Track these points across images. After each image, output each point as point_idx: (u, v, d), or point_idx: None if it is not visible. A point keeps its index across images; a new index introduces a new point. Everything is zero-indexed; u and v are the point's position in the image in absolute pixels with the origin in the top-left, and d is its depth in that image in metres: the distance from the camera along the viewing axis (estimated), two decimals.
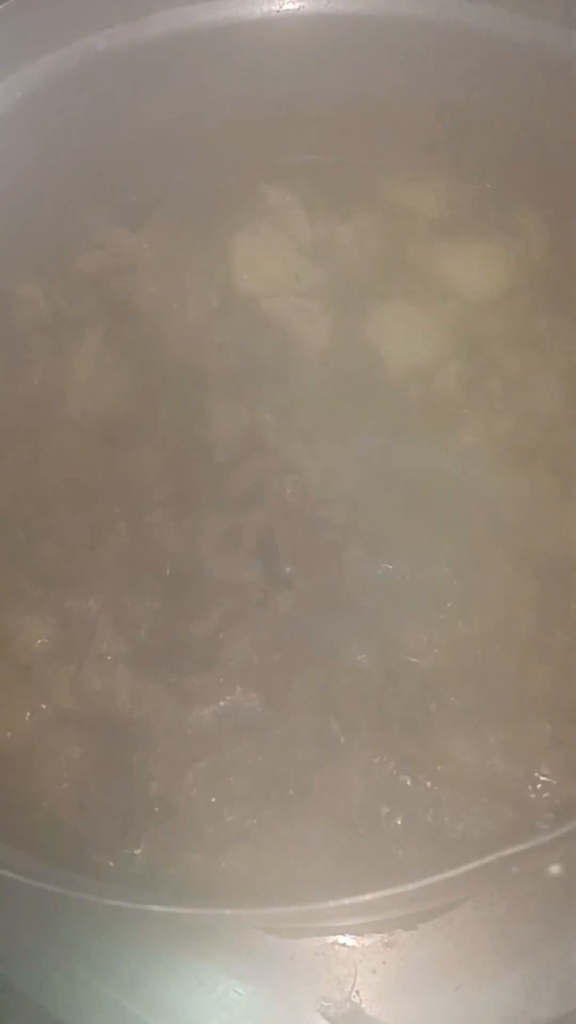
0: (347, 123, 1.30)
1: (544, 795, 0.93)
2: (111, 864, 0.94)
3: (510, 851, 0.69)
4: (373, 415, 1.14)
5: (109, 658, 1.00)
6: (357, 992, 0.97)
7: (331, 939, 1.01)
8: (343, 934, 1.00)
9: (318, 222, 1.26)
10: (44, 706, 0.99)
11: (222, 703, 0.98)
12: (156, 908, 0.99)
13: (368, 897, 0.69)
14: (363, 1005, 0.97)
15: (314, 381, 1.17)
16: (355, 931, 1.00)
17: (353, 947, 1.00)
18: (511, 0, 1.13)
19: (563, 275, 1.23)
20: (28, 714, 0.99)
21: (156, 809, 0.95)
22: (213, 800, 0.94)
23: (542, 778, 0.93)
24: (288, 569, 1.03)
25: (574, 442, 1.10)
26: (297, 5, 1.20)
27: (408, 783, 0.94)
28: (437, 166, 1.30)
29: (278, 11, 1.20)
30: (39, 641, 1.02)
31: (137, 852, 0.94)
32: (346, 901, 0.69)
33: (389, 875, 0.91)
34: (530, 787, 0.93)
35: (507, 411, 1.12)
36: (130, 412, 1.16)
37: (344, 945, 1.00)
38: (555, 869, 0.74)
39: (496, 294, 1.22)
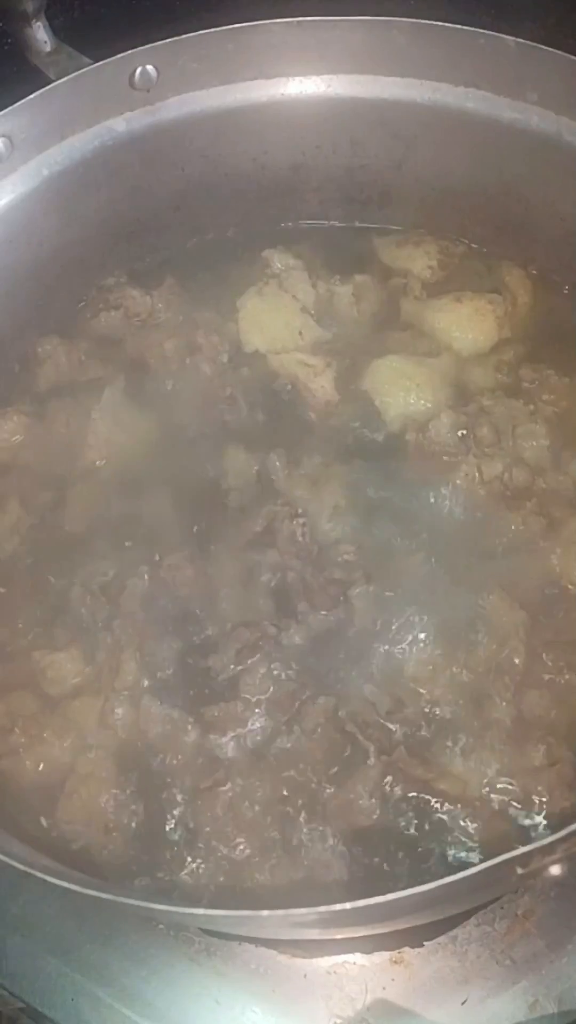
0: (345, 193, 1.36)
1: (539, 810, 0.98)
2: (135, 885, 0.97)
3: (508, 856, 0.74)
4: (374, 461, 1.19)
5: (133, 692, 1.04)
6: (368, 1009, 1.01)
7: (342, 958, 1.04)
8: (353, 952, 1.04)
9: (319, 283, 1.31)
10: (73, 737, 1.03)
11: (239, 731, 1.02)
12: (176, 928, 1.03)
13: (373, 901, 0.73)
14: (373, 1022, 1.01)
15: (319, 430, 1.22)
16: (364, 949, 1.04)
17: (363, 965, 1.04)
18: (495, 85, 1.20)
19: (547, 329, 1.29)
20: (59, 745, 1.03)
21: (178, 831, 0.99)
22: (231, 822, 0.98)
23: (536, 795, 0.98)
24: (299, 605, 1.08)
25: (559, 484, 1.15)
26: (300, 89, 1.26)
27: (414, 802, 0.99)
28: (428, 230, 1.36)
29: (282, 95, 1.26)
30: (68, 677, 1.06)
31: (160, 874, 0.98)
32: (355, 905, 0.73)
33: (395, 887, 0.96)
34: (526, 803, 0.98)
35: (496, 456, 1.16)
36: (147, 462, 1.21)
37: (354, 964, 1.04)
38: (554, 871, 0.79)
39: (485, 347, 1.27)
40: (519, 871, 0.74)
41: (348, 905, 0.74)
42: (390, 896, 0.73)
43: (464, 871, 0.73)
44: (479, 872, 0.73)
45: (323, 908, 0.76)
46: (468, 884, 0.74)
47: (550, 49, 1.14)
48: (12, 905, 1.06)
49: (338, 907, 0.74)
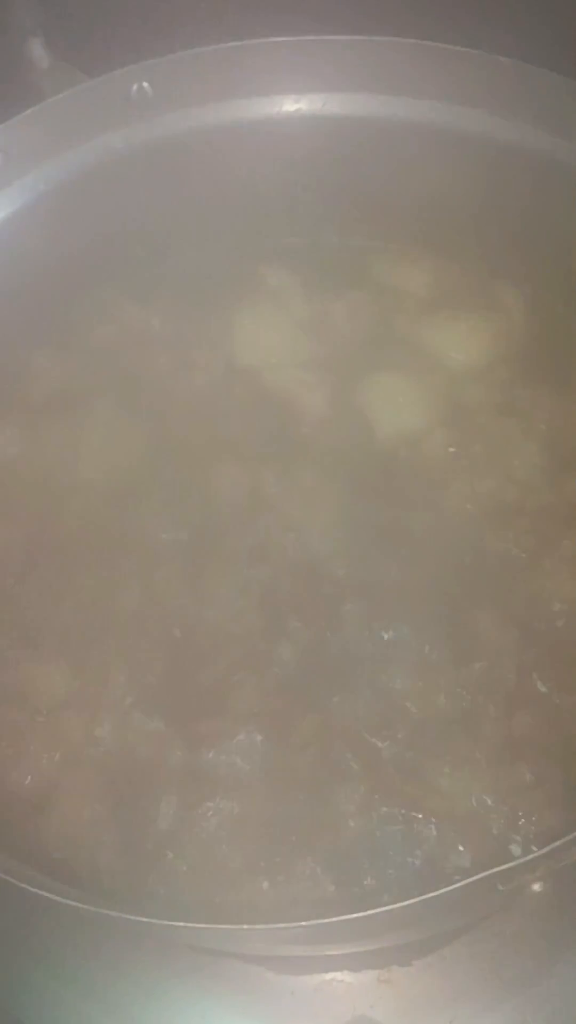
0: (340, 210, 1.36)
1: (527, 828, 0.97)
2: (121, 902, 0.96)
3: (493, 871, 0.74)
4: (367, 477, 1.19)
5: (121, 706, 1.04)
6: None
7: (329, 976, 1.04)
8: (340, 970, 1.04)
9: (314, 300, 1.32)
10: (61, 751, 1.03)
11: (228, 747, 1.01)
12: (162, 944, 1.03)
13: (362, 916, 0.73)
14: None
15: (312, 446, 1.22)
16: (352, 967, 1.04)
17: (350, 983, 1.04)
18: (491, 104, 1.21)
19: (541, 347, 1.29)
20: (46, 759, 1.03)
21: (165, 847, 0.98)
22: (219, 839, 0.98)
23: (523, 815, 0.98)
24: (290, 621, 1.08)
25: (551, 503, 1.15)
26: (295, 107, 1.26)
27: (401, 820, 0.98)
28: (423, 247, 1.36)
29: (279, 112, 1.27)
30: (56, 690, 1.06)
31: (146, 889, 0.97)
32: (342, 918, 0.73)
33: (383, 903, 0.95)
34: (514, 821, 0.98)
35: (489, 474, 1.16)
36: (140, 476, 1.21)
37: (342, 981, 1.04)
38: (536, 888, 0.79)
39: (479, 366, 1.27)
40: (500, 888, 0.74)
41: (330, 920, 0.74)
42: (372, 912, 0.73)
43: (442, 888, 0.73)
44: (459, 888, 0.73)
45: (305, 923, 0.76)
46: (449, 901, 0.75)
47: (545, 70, 1.15)
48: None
49: (320, 922, 0.74)
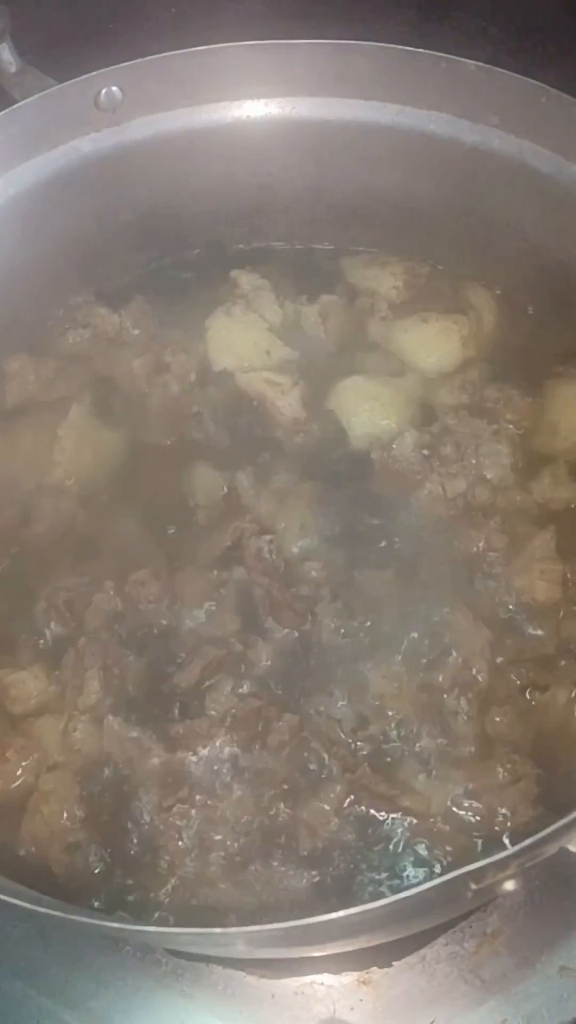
0: (311, 213, 1.37)
1: (503, 826, 0.98)
2: (96, 904, 0.97)
3: (465, 870, 0.74)
4: (340, 479, 1.20)
5: (97, 710, 1.04)
6: None
7: (309, 978, 1.04)
8: (320, 973, 1.04)
9: (286, 303, 1.32)
10: (36, 756, 1.03)
11: (204, 749, 1.01)
12: (139, 947, 1.03)
13: (339, 916, 0.73)
14: None
15: (286, 448, 1.23)
16: (332, 969, 1.04)
17: (331, 986, 1.04)
18: (458, 108, 1.21)
19: (511, 348, 1.31)
20: (21, 764, 1.02)
21: (142, 850, 0.98)
22: (196, 841, 0.98)
23: (500, 812, 0.98)
24: (266, 622, 1.08)
25: (521, 502, 1.16)
26: (264, 111, 1.27)
27: (377, 819, 0.99)
28: (394, 250, 1.37)
29: (248, 117, 1.27)
30: (31, 695, 1.06)
31: (123, 893, 0.97)
32: (321, 919, 0.73)
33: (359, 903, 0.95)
34: (490, 819, 0.99)
35: (460, 474, 1.17)
36: (114, 478, 1.21)
37: (322, 984, 1.04)
38: (509, 886, 0.79)
39: (450, 367, 1.28)
40: (473, 886, 0.74)
41: (305, 922, 0.74)
42: (347, 912, 0.73)
43: (415, 887, 0.73)
44: (432, 888, 0.73)
45: (279, 925, 0.76)
46: (422, 900, 0.75)
47: (510, 73, 1.15)
48: None
49: (295, 923, 0.74)
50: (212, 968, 1.04)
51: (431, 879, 0.94)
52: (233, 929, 0.76)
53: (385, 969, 1.05)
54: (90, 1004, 1.03)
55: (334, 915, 0.74)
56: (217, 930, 0.74)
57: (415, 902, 0.75)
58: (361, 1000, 1.04)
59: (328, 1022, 1.00)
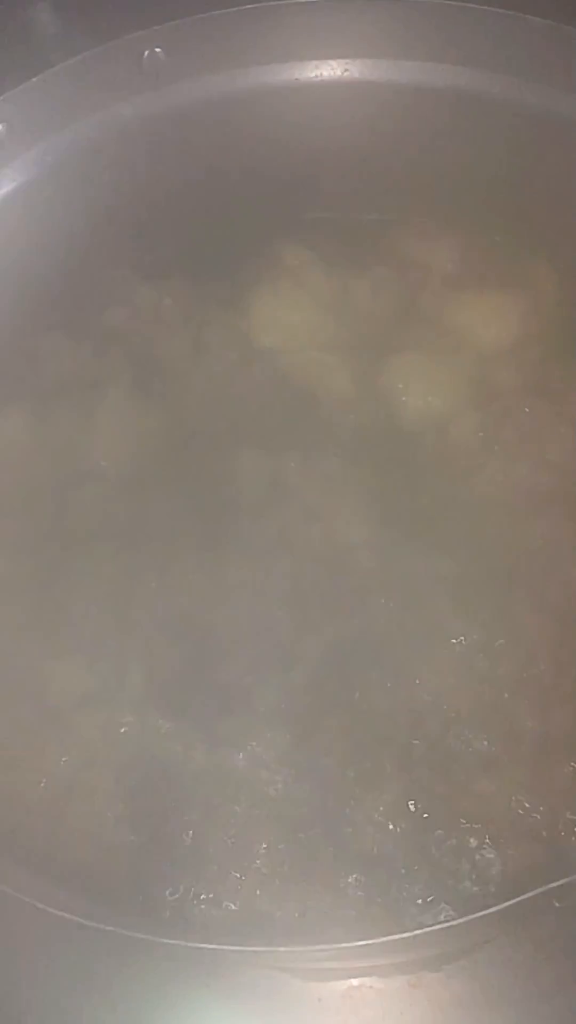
0: (361, 182, 1.32)
1: (568, 832, 0.94)
2: (139, 905, 0.94)
3: (541, 889, 0.70)
4: (392, 463, 1.16)
5: (140, 703, 1.01)
6: None
7: (357, 981, 1.01)
8: (369, 976, 1.01)
9: (335, 277, 1.28)
10: (77, 751, 1.00)
11: (251, 747, 0.98)
12: (184, 948, 1.00)
13: (395, 938, 0.70)
14: None
15: (335, 431, 1.19)
16: (381, 973, 1.01)
17: (380, 989, 1.01)
18: (523, 68, 1.16)
19: (573, 324, 1.25)
20: (62, 759, 1.00)
21: (186, 851, 0.95)
22: (242, 842, 0.95)
23: (567, 816, 0.94)
24: (315, 615, 1.05)
25: None
26: (315, 73, 1.22)
27: (435, 822, 0.95)
28: (449, 221, 1.32)
29: (297, 79, 1.23)
30: (71, 689, 1.04)
31: (166, 893, 0.94)
32: (373, 941, 0.70)
33: (417, 916, 0.92)
34: (555, 826, 0.94)
35: (521, 458, 1.13)
36: (155, 463, 1.18)
37: (371, 988, 1.01)
38: None
39: (508, 344, 1.23)
40: (557, 904, 0.70)
41: (363, 943, 0.70)
42: (407, 934, 0.69)
43: (495, 905, 0.69)
44: (513, 905, 0.69)
45: (339, 945, 0.72)
46: (497, 916, 0.71)
47: None
48: (19, 931, 1.03)
49: (354, 944, 0.71)
50: (257, 971, 1.01)
51: (493, 886, 0.93)
52: (288, 948, 0.72)
53: (435, 973, 1.00)
54: (130, 1006, 1.00)
55: (393, 937, 0.70)
56: (283, 948, 0.71)
57: (486, 920, 0.71)
58: (411, 1005, 1.00)
59: None
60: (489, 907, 0.70)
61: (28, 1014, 0.95)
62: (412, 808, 0.96)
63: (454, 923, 0.70)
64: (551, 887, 0.69)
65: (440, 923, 0.70)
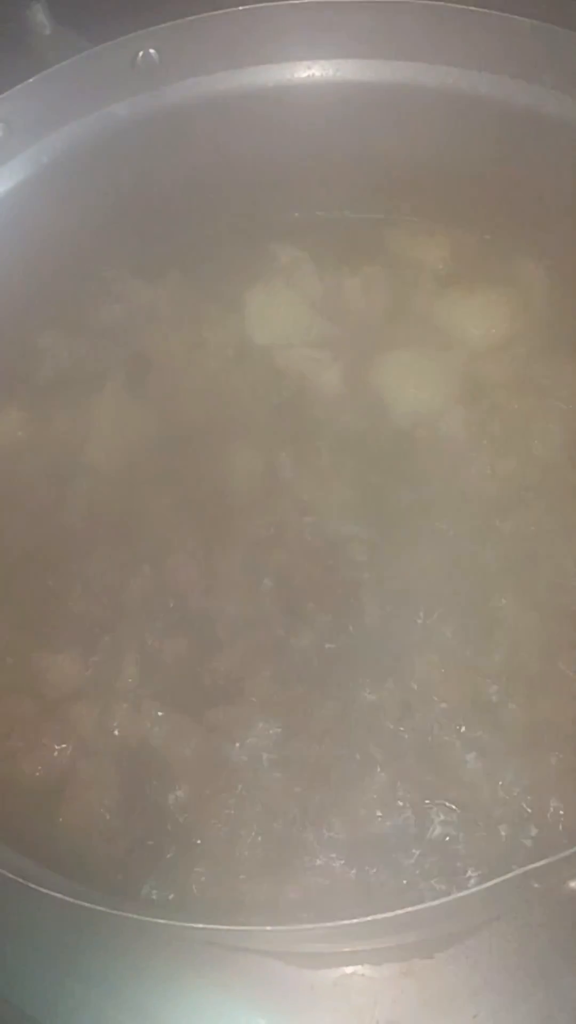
0: (353, 181, 1.32)
1: (556, 820, 0.95)
2: (135, 893, 0.95)
3: (522, 870, 0.71)
4: (384, 458, 1.16)
5: (135, 694, 1.02)
6: (376, 1022, 0.97)
7: (350, 969, 1.02)
8: (361, 963, 1.02)
9: (327, 276, 1.29)
10: (72, 741, 1.01)
11: (245, 736, 0.99)
12: (177, 936, 1.01)
13: (386, 916, 0.71)
14: None
15: (327, 426, 1.20)
16: (373, 960, 1.02)
17: (372, 977, 1.01)
18: (509, 68, 1.17)
19: (562, 321, 1.26)
20: (57, 749, 1.01)
21: (181, 839, 0.96)
22: (236, 830, 0.96)
23: (553, 805, 0.95)
24: (307, 606, 1.06)
25: (573, 482, 1.13)
26: (307, 74, 1.23)
27: (425, 810, 0.96)
28: (440, 219, 1.33)
29: (290, 79, 1.23)
30: (67, 680, 1.04)
31: (162, 882, 0.95)
32: (364, 919, 0.71)
33: (407, 898, 0.93)
34: (542, 813, 0.96)
35: (509, 453, 1.14)
36: (150, 458, 1.19)
37: (362, 975, 1.02)
38: (571, 886, 0.76)
39: (498, 341, 1.24)
40: (535, 886, 0.71)
41: (353, 922, 0.71)
42: (395, 913, 0.71)
43: (477, 886, 0.70)
44: (493, 886, 0.70)
45: (328, 924, 0.73)
46: (480, 898, 0.72)
47: (566, 30, 1.11)
48: (12, 914, 1.04)
49: (342, 923, 0.72)
50: (249, 957, 1.02)
51: (480, 872, 0.94)
52: (278, 927, 0.73)
53: (427, 960, 1.01)
54: (125, 992, 1.01)
55: (381, 916, 0.72)
56: (274, 927, 0.72)
57: (468, 902, 0.72)
58: (403, 992, 1.00)
59: (385, 1015, 0.98)
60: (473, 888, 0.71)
61: (17, 991, 0.96)
62: (400, 794, 0.97)
63: (441, 901, 0.71)
64: (529, 868, 0.70)
65: (428, 903, 0.70)
